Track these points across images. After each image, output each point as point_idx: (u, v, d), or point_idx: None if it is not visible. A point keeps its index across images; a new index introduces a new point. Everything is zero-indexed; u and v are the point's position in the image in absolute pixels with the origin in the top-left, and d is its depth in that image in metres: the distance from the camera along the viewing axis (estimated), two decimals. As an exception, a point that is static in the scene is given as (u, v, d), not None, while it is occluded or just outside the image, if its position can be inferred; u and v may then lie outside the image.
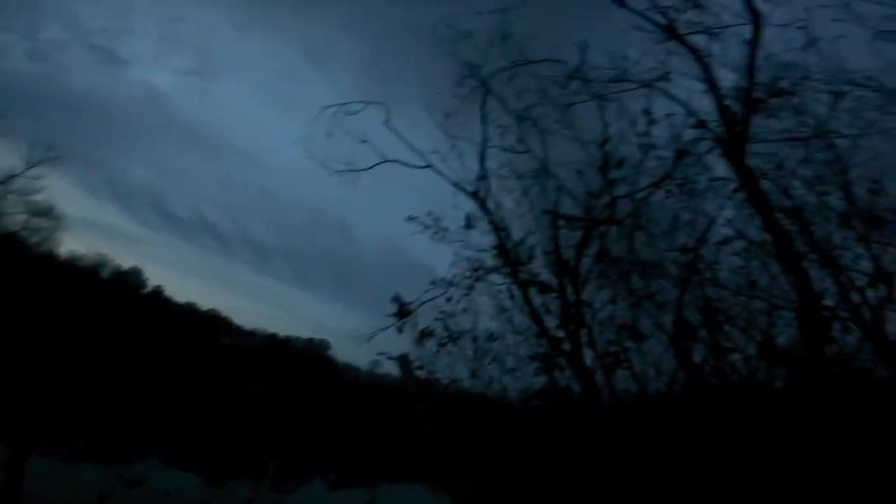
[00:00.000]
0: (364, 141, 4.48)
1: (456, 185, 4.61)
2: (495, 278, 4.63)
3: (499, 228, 4.59)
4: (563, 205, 4.63)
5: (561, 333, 4.41)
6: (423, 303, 4.43)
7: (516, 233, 4.70)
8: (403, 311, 4.38)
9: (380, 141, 4.57)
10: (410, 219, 4.85)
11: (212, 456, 13.97)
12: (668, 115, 4.49)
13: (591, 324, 4.50)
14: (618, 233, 4.51)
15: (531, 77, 4.71)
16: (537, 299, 4.53)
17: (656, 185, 4.40)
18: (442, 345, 4.92)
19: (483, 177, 4.65)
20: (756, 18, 4.32)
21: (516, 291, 4.44)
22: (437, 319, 4.71)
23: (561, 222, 4.47)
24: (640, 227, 4.41)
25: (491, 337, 4.84)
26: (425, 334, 4.73)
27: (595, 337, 4.48)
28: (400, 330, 4.40)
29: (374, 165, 4.58)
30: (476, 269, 4.57)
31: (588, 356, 4.46)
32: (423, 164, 4.59)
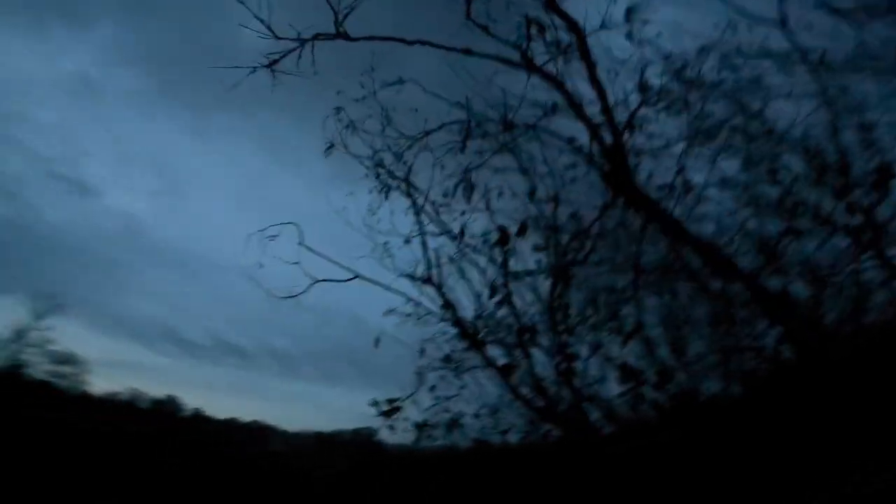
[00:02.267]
0: (295, 262, 4.49)
1: (407, 275, 4.53)
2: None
3: (454, 310, 4.45)
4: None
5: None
6: (410, 395, 4.23)
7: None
8: (392, 410, 4.18)
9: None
10: (390, 312, 4.76)
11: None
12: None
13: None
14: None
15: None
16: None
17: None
18: (449, 430, 4.69)
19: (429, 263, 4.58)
20: (578, 31, 4.29)
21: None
22: (431, 407, 4.50)
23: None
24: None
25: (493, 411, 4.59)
26: (426, 427, 4.51)
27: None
28: (393, 428, 4.19)
29: (307, 288, 4.56)
30: (448, 360, 4.42)
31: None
32: (350, 276, 4.56)
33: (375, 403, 4.05)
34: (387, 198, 4.70)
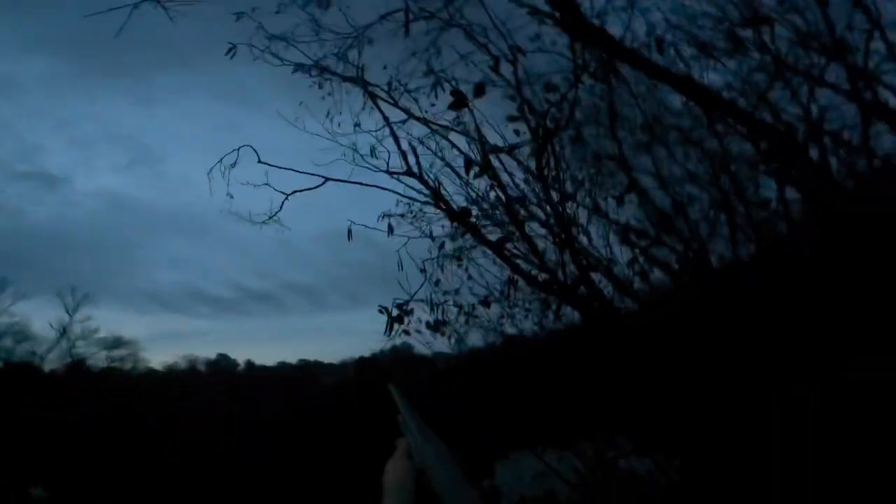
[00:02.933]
0: (264, 184, 4.28)
1: (385, 171, 4.31)
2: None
3: (441, 198, 4.26)
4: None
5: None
6: (415, 295, 4.23)
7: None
8: (402, 314, 4.21)
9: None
10: (383, 216, 4.64)
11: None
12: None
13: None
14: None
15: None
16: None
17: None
18: (464, 324, 4.77)
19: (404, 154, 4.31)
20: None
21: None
22: (441, 304, 4.52)
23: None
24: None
25: (503, 294, 4.60)
26: (439, 325, 4.57)
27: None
28: (407, 333, 4.26)
29: (282, 203, 4.37)
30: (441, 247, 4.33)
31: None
32: (320, 181, 4.32)
33: (384, 310, 4.07)
34: (331, 93, 4.38)
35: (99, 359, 25.09)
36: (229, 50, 4.17)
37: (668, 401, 3.79)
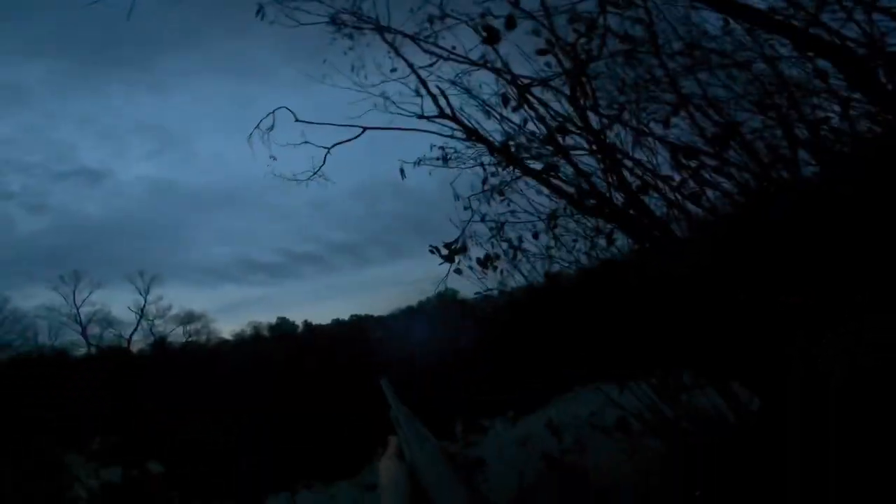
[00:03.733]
0: (304, 142, 4.39)
1: (418, 116, 4.31)
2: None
3: (478, 134, 4.23)
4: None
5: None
6: (462, 232, 4.33)
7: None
8: (452, 253, 4.34)
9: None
10: (419, 162, 4.71)
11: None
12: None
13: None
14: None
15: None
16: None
17: None
18: (513, 258, 4.84)
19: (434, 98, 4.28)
20: None
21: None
22: (489, 239, 4.61)
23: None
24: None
25: (550, 223, 4.60)
26: (489, 260, 4.67)
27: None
28: (459, 272, 4.40)
29: (324, 158, 4.48)
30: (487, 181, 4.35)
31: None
32: (358, 132, 4.37)
33: (434, 250, 4.21)
34: (352, 48, 4.37)
35: (177, 335, 27.42)
36: (258, 11, 4.20)
37: (733, 329, 3.70)
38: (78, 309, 27.47)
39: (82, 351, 28.17)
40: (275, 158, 4.44)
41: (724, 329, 3.70)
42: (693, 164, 4.34)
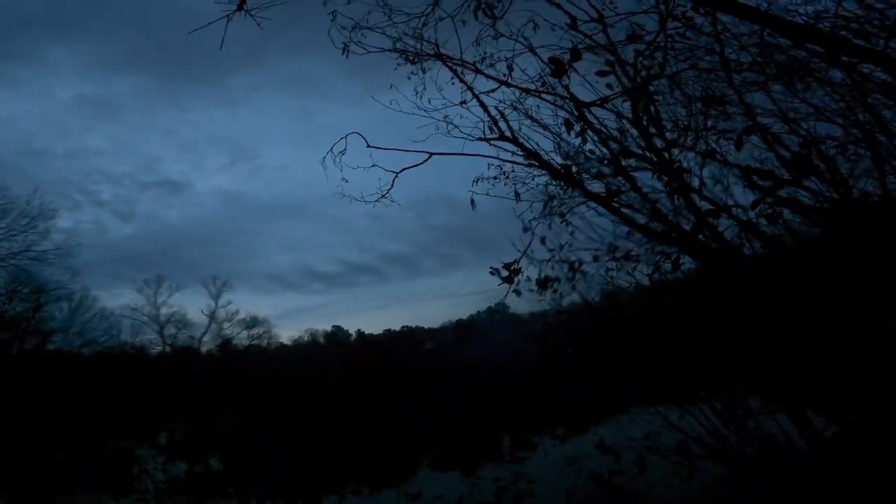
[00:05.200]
0: (372, 166, 4.62)
1: (479, 139, 4.45)
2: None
3: (538, 156, 4.29)
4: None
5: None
6: (522, 255, 4.39)
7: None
8: (512, 274, 4.42)
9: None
10: (476, 181, 4.86)
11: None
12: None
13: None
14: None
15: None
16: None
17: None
18: (571, 279, 4.85)
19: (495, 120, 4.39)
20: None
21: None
22: (548, 260, 4.64)
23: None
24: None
25: (612, 248, 4.59)
26: (547, 282, 4.70)
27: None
28: (518, 293, 4.46)
29: (392, 182, 4.69)
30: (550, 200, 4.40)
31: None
32: (425, 157, 4.55)
33: (494, 271, 4.30)
34: (424, 72, 4.57)
35: (241, 338, 29.27)
36: (343, 49, 4.50)
37: (811, 354, 3.52)
38: (157, 310, 29.87)
39: (158, 349, 30.59)
40: (346, 181, 4.71)
41: (801, 354, 3.53)
42: (768, 185, 4.17)
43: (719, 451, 4.45)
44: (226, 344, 30.39)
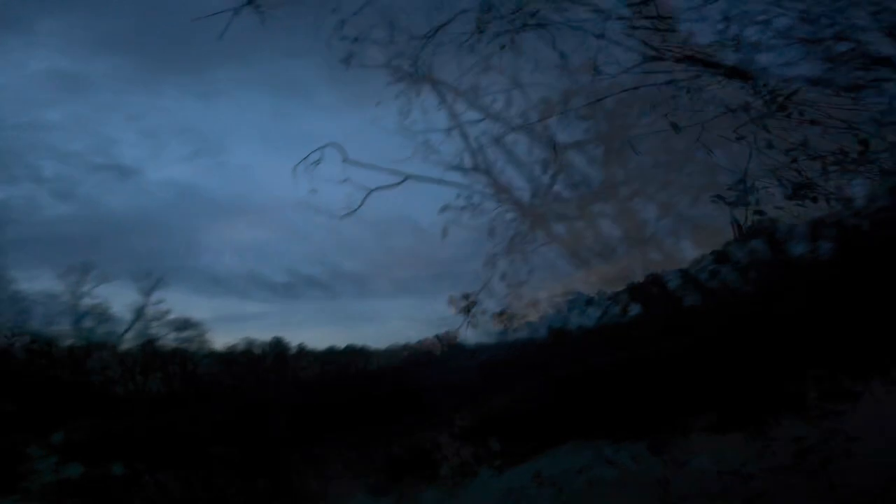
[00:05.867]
0: (345, 180, 4.70)
1: (454, 168, 4.66)
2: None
3: (509, 192, 4.55)
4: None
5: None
6: (484, 286, 4.56)
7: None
8: (469, 305, 4.57)
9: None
10: (445, 208, 5.02)
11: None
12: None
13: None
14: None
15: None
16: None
17: None
18: (525, 316, 5.07)
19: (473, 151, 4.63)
20: None
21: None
22: (506, 296, 4.84)
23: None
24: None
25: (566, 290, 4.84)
26: (505, 315, 4.89)
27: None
28: (474, 325, 4.60)
29: (363, 200, 4.79)
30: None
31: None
32: (400, 179, 4.71)
33: (452, 301, 4.42)
34: (417, 95, 4.77)
35: (168, 339, 27.33)
36: (344, 59, 4.62)
37: None
38: (77, 300, 27.50)
39: (68, 343, 27.99)
40: (316, 191, 4.72)
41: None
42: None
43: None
44: (148, 343, 28.40)
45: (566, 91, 4.34)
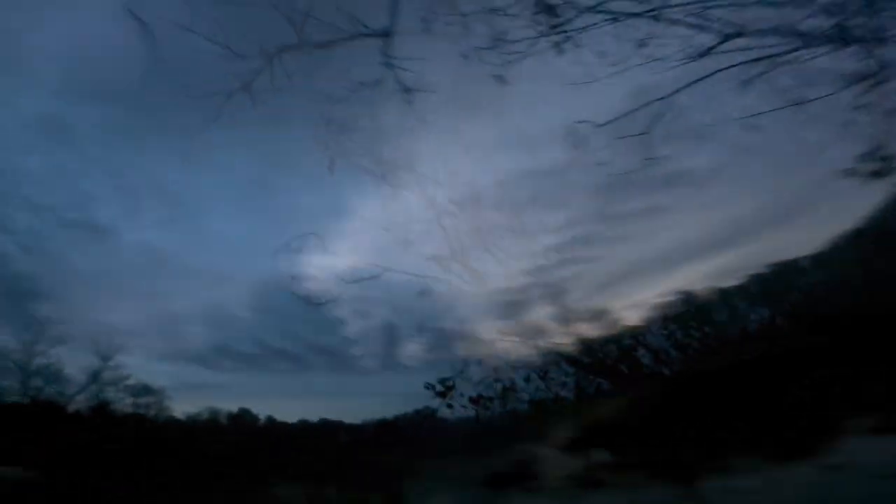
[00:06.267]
0: (322, 268, 4.82)
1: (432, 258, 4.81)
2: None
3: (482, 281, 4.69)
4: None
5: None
6: (461, 372, 4.58)
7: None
8: (447, 390, 4.55)
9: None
10: (421, 293, 5.11)
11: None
12: None
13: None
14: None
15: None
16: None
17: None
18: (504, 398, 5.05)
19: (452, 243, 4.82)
20: None
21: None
22: (481, 381, 4.84)
23: None
24: None
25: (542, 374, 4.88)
26: (480, 399, 4.87)
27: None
28: (451, 406, 4.56)
29: (339, 292, 4.88)
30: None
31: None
32: (377, 272, 4.85)
33: (430, 387, 4.41)
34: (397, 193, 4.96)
35: (125, 404, 25.67)
36: (329, 166, 4.81)
37: None
38: (29, 358, 25.99)
39: (13, 399, 26.12)
40: (294, 279, 4.79)
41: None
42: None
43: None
44: (101, 407, 26.58)
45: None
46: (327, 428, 27.23)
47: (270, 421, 28.72)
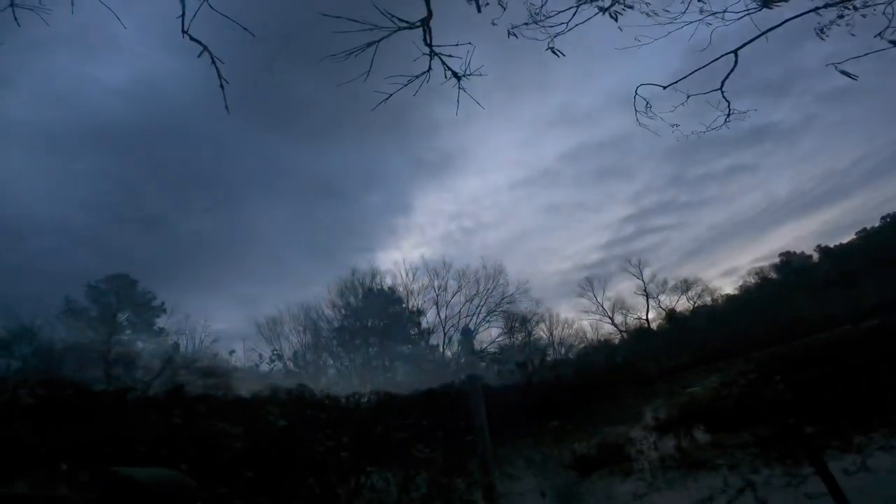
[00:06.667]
0: None
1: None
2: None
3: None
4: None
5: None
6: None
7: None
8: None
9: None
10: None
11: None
12: None
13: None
14: None
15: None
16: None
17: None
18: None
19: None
20: None
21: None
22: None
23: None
24: None
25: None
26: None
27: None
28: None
29: None
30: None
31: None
32: None
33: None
34: None
35: (196, 387, 27.08)
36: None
37: None
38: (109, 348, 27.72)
39: (101, 387, 28.18)
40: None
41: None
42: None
43: None
44: (177, 388, 28.09)
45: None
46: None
47: (327, 394, 29.48)
